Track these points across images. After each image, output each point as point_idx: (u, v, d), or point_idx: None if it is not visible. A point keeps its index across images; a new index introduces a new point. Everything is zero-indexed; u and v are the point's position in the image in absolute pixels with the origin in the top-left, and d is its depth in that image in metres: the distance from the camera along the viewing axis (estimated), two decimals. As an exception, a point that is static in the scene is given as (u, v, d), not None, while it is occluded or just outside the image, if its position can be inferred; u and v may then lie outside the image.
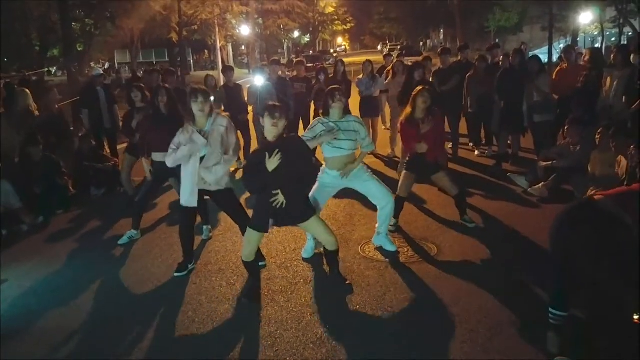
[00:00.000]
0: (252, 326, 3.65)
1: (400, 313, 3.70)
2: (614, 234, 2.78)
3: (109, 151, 8.30)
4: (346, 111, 4.50)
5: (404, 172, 5.27)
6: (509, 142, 7.76)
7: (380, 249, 4.78)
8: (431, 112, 5.06)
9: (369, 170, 4.69)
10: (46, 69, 23.79)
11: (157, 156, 5.15)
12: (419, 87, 5.21)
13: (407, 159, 5.32)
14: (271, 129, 3.70)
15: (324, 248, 4.12)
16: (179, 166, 4.45)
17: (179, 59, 27.51)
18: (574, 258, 2.94)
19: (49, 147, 7.18)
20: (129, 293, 4.30)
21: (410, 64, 11.99)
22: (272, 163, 3.65)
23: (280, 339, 3.47)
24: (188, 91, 5.13)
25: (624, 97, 6.15)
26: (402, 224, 5.35)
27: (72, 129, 8.32)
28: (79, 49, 23.22)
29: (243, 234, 4.26)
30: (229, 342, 3.49)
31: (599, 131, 5.72)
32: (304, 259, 4.67)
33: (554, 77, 7.63)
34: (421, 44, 47.44)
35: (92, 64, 24.17)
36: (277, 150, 3.66)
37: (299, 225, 3.99)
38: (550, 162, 6.23)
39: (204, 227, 5.35)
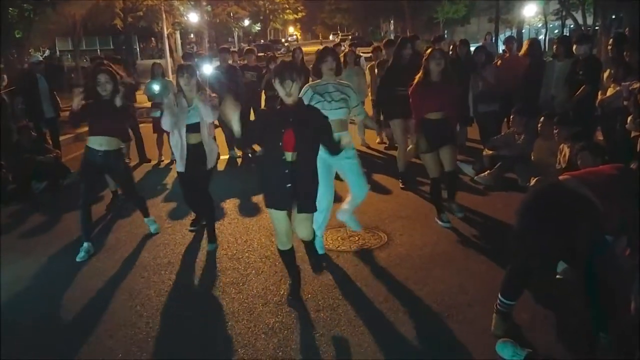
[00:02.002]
0: (202, 319, 3.60)
1: (351, 301, 3.72)
2: (581, 212, 2.84)
3: (50, 142, 7.95)
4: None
5: (421, 156, 5.02)
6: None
7: (331, 239, 4.80)
8: (446, 75, 4.80)
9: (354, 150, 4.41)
10: (-19, 57, 22.53)
11: (93, 141, 4.70)
12: (429, 50, 4.92)
13: (416, 141, 4.97)
14: (285, 97, 3.32)
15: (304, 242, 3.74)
16: (119, 166, 4.71)
17: (124, 47, 26.62)
18: (541, 239, 2.95)
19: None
20: (74, 289, 4.14)
21: (361, 54, 12.08)
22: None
23: (232, 330, 3.44)
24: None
25: (565, 87, 6.36)
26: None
27: (10, 119, 7.91)
28: (17, 36, 22.06)
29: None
30: (178, 335, 3.43)
31: (541, 120, 5.93)
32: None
33: (496, 66, 7.82)
34: (383, 33, 47.57)
35: (32, 51, 23.03)
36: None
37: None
38: (495, 151, 6.42)
39: (146, 219, 5.20)
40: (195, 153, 4.67)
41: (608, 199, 2.83)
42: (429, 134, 4.85)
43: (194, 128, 4.64)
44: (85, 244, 4.73)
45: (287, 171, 3.35)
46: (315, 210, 3.59)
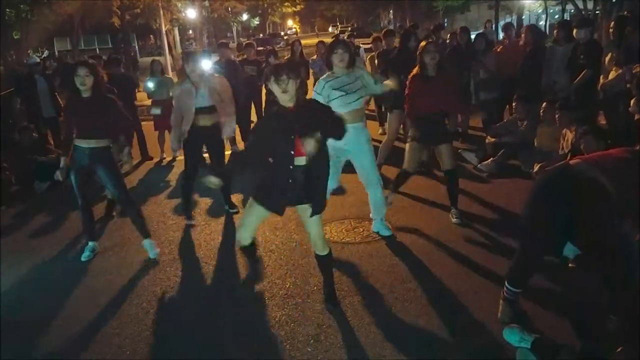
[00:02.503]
0: (209, 314, 3.60)
1: (357, 292, 3.72)
2: (594, 197, 2.80)
3: (52, 142, 7.96)
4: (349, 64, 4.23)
5: (409, 143, 4.85)
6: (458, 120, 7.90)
7: (335, 231, 4.80)
8: (442, 68, 4.68)
9: (371, 141, 4.41)
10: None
11: (80, 142, 4.36)
12: (423, 43, 4.79)
13: (411, 126, 4.87)
14: (282, 95, 3.15)
15: (315, 254, 3.56)
16: (104, 158, 4.39)
17: (122, 45, 26.56)
18: (551, 225, 2.94)
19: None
20: (80, 287, 4.15)
21: (361, 45, 12.00)
22: (310, 145, 2.97)
23: (238, 324, 3.44)
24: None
25: (567, 72, 6.33)
26: (357, 203, 5.38)
27: (11, 121, 7.93)
28: (15, 37, 22.04)
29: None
30: (185, 331, 3.44)
31: (543, 106, 5.90)
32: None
33: (497, 53, 7.77)
34: (385, 23, 47.29)
35: (30, 52, 23.02)
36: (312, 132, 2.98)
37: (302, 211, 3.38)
38: (497, 138, 6.39)
39: (145, 242, 4.65)
40: (208, 135, 5.02)
41: (621, 183, 2.79)
42: (422, 128, 4.72)
43: (204, 111, 4.92)
44: (90, 243, 4.67)
45: (297, 176, 3.19)
46: (325, 206, 3.44)
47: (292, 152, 3.14)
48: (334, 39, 4.62)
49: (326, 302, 3.57)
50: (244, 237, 3.54)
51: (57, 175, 4.50)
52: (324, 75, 4.35)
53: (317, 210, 3.31)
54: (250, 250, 3.82)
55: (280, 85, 3.11)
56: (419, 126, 4.74)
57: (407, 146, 4.89)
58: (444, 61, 4.79)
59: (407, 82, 4.81)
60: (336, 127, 3.22)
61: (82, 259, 4.56)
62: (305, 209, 3.31)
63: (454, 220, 4.83)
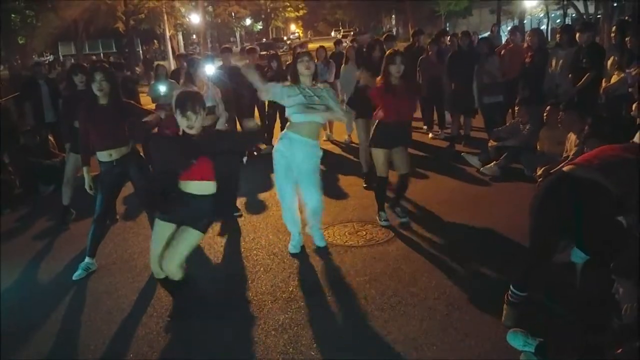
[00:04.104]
0: (212, 317, 3.62)
1: (361, 295, 3.73)
2: (597, 199, 2.83)
3: (56, 146, 7.99)
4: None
5: (373, 150, 4.89)
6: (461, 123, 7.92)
7: (339, 234, 4.81)
8: (406, 80, 4.75)
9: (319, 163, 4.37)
10: (-15, 64, 22.67)
11: (102, 155, 4.30)
12: (389, 52, 4.80)
13: (372, 134, 4.91)
14: (188, 130, 3.17)
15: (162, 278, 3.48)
16: (136, 168, 4.34)
17: (126, 50, 26.69)
18: (558, 231, 2.98)
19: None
20: (83, 290, 4.16)
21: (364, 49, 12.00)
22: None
23: (241, 327, 3.45)
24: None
25: (569, 76, 6.34)
26: (359, 207, 5.39)
27: (16, 124, 7.97)
28: (20, 42, 22.18)
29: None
30: (189, 334, 3.45)
31: (546, 109, 5.91)
32: (292, 254, 4.46)
33: (501, 57, 7.79)
34: (387, 27, 47.37)
35: (35, 57, 23.15)
36: None
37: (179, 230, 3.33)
38: (500, 142, 6.40)
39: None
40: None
41: (620, 179, 2.82)
42: (383, 134, 4.77)
43: (207, 111, 4.84)
44: (87, 260, 4.39)
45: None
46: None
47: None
48: (303, 51, 4.55)
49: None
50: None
51: (88, 189, 4.40)
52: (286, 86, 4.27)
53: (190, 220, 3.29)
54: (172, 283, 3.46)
55: (187, 120, 3.12)
56: (379, 131, 4.80)
57: (374, 155, 4.92)
58: (409, 73, 4.90)
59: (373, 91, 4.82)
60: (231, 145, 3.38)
61: (74, 277, 4.28)
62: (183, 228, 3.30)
63: (401, 219, 4.93)
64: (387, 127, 4.72)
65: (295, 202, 4.44)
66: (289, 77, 4.37)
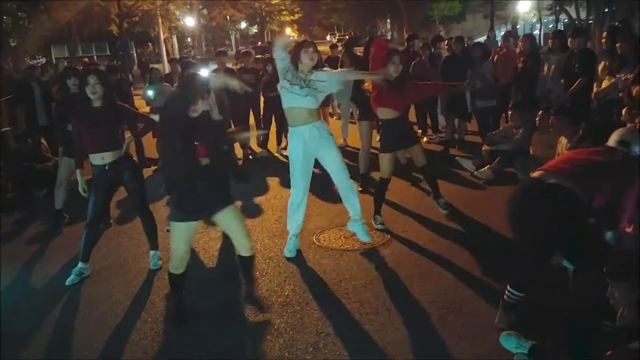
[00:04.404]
0: (207, 322, 3.61)
1: (356, 299, 3.74)
2: (564, 202, 2.93)
3: (49, 150, 7.95)
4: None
5: (381, 154, 4.96)
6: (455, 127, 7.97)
7: (334, 238, 4.82)
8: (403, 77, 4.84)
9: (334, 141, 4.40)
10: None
11: (95, 159, 4.26)
12: (389, 50, 4.85)
13: (380, 140, 5.00)
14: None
15: (237, 255, 3.58)
16: (129, 172, 4.32)
17: (120, 53, 26.62)
18: (535, 235, 3.07)
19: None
20: (77, 295, 4.15)
21: (358, 54, 12.05)
22: None
23: (237, 332, 3.46)
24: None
25: (561, 81, 6.39)
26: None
27: (8, 128, 7.92)
28: (12, 44, 22.07)
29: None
30: (183, 339, 3.44)
31: (539, 114, 5.95)
32: (288, 259, 4.47)
33: (494, 62, 7.84)
34: (383, 31, 47.48)
35: (27, 59, 23.04)
36: None
37: (215, 217, 3.44)
38: (494, 146, 6.44)
39: (152, 252, 4.61)
40: None
41: (588, 182, 2.93)
42: (391, 138, 4.88)
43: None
44: (80, 265, 4.36)
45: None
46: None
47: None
48: (307, 40, 4.59)
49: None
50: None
51: (82, 192, 4.36)
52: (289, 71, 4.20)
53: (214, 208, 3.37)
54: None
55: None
56: (385, 132, 4.96)
57: (380, 158, 5.00)
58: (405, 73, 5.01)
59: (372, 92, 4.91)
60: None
61: (67, 283, 4.26)
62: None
63: (443, 211, 5.14)
64: (393, 130, 4.83)
65: (305, 201, 4.44)
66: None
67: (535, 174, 3.14)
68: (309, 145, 4.25)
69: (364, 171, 6.20)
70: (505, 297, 3.21)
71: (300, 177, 4.34)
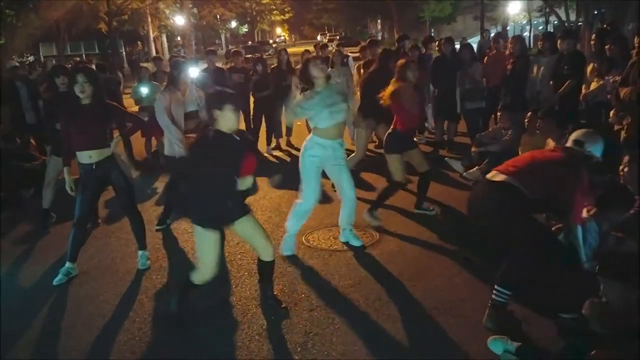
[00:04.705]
0: (196, 322, 3.59)
1: (345, 299, 3.74)
2: (508, 200, 3.17)
3: (37, 149, 7.87)
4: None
5: (390, 156, 5.10)
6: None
7: (323, 238, 4.82)
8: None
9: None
10: (-36, 64, 22.23)
11: (82, 157, 4.21)
12: (403, 61, 5.12)
13: (385, 141, 5.17)
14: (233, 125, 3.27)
15: (258, 259, 3.62)
16: (117, 171, 4.29)
17: (109, 51, 26.45)
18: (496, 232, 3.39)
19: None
20: (64, 295, 4.11)
21: (349, 54, 12.10)
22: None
23: (225, 332, 3.44)
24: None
25: (550, 82, 6.43)
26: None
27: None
28: (0, 43, 21.83)
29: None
30: (171, 339, 3.42)
31: (527, 116, 5.99)
32: (287, 256, 4.47)
33: (484, 63, 7.87)
34: (374, 31, 47.61)
35: (14, 58, 22.79)
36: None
37: (233, 227, 3.45)
38: (483, 147, 6.47)
39: (140, 252, 4.59)
40: None
41: (536, 181, 3.16)
42: (397, 140, 5.03)
43: (191, 115, 4.97)
44: (68, 265, 4.32)
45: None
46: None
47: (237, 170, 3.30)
48: (313, 56, 4.72)
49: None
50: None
51: (69, 190, 4.29)
52: (308, 94, 4.32)
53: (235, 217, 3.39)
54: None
55: (236, 116, 3.27)
56: (394, 138, 5.07)
57: (390, 160, 5.10)
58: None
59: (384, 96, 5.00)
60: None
61: (55, 282, 4.22)
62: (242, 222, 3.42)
63: (428, 213, 5.27)
64: (401, 132, 5.00)
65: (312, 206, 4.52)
66: (300, 82, 4.51)
67: (489, 175, 3.37)
68: (330, 159, 4.37)
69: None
70: (493, 296, 3.24)
71: (316, 185, 4.42)
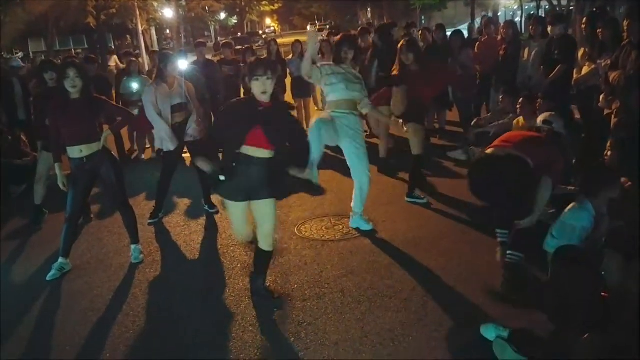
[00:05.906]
0: (189, 315, 3.59)
1: (337, 289, 3.74)
2: (514, 169, 3.45)
3: (28, 145, 7.81)
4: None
5: (406, 126, 5.04)
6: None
7: (316, 229, 4.82)
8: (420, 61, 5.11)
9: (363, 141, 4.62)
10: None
11: (73, 152, 4.21)
12: (401, 43, 5.19)
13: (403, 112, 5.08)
14: (262, 95, 3.27)
15: (256, 247, 3.63)
16: (108, 166, 4.25)
17: (98, 46, 26.19)
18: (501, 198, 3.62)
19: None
20: (58, 290, 4.09)
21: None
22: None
23: (218, 324, 3.44)
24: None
25: (541, 67, 6.41)
26: (336, 201, 5.41)
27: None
28: (-12, 39, 21.58)
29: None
30: (165, 332, 3.42)
31: (519, 101, 5.97)
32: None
33: (475, 50, 7.85)
34: (364, 20, 47.42)
35: (4, 54, 22.54)
36: None
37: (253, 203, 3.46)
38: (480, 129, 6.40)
39: (133, 246, 4.58)
40: (181, 131, 5.09)
41: (532, 152, 3.47)
42: (413, 107, 5.07)
43: (178, 108, 5.06)
44: (61, 260, 4.32)
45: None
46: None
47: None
48: (346, 35, 5.18)
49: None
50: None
51: (61, 186, 4.28)
52: (334, 65, 4.55)
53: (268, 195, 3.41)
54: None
55: (263, 85, 3.24)
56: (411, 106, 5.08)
57: (412, 130, 5.07)
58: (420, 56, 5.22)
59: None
60: (300, 147, 3.48)
61: (48, 278, 4.21)
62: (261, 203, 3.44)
63: (418, 201, 5.29)
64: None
65: None
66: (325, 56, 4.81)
67: (488, 151, 3.70)
68: (344, 128, 4.47)
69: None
70: (507, 259, 3.55)
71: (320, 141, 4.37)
